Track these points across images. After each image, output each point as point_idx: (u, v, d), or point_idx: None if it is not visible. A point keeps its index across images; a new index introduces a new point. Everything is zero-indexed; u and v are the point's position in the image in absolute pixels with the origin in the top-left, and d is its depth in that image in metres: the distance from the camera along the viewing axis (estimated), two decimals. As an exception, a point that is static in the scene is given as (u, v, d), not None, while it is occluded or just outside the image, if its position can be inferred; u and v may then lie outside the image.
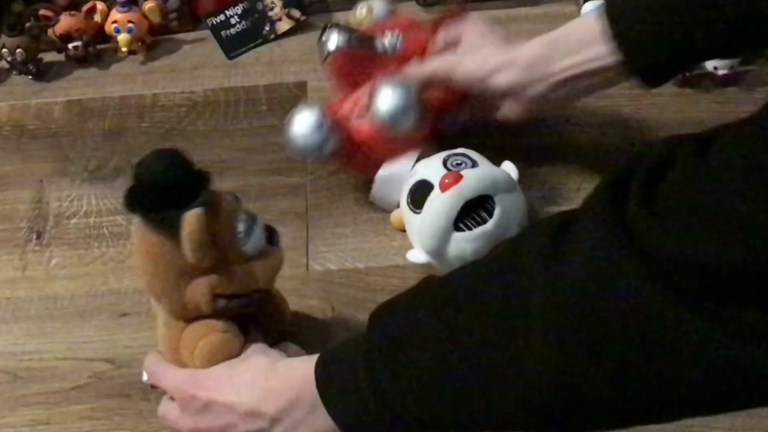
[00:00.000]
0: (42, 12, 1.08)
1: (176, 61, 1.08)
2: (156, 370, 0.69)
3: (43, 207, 0.92)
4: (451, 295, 0.54)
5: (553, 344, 0.47)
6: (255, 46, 1.08)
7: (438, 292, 0.56)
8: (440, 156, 0.81)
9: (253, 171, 0.93)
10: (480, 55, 0.81)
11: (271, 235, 0.68)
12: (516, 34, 0.84)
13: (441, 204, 0.76)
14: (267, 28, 1.09)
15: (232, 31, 1.09)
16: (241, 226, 0.65)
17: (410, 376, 0.54)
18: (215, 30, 1.09)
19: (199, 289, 0.65)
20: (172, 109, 1.01)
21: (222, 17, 1.09)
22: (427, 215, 0.76)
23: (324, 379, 0.60)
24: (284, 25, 1.09)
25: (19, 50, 1.04)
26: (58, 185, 0.94)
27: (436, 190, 0.77)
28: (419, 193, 0.78)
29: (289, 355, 0.67)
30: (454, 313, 0.53)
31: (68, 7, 1.10)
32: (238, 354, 0.67)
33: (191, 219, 0.61)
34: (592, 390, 0.47)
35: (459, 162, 0.79)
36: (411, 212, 0.79)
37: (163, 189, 0.62)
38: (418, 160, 0.82)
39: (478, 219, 0.76)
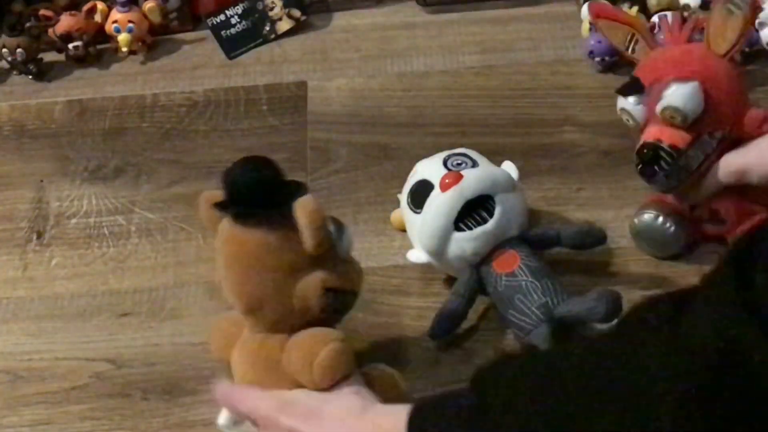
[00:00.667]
0: (42, 12, 1.08)
1: (176, 61, 1.08)
2: (235, 394, 0.66)
3: (43, 207, 0.92)
4: (563, 390, 0.51)
5: (681, 412, 0.45)
6: (255, 46, 1.08)
7: (551, 384, 0.52)
8: (440, 156, 0.80)
9: (254, 171, 0.93)
10: None
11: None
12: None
13: (441, 204, 0.76)
14: (267, 28, 1.09)
15: (233, 31, 1.09)
16: (332, 228, 0.64)
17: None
18: (215, 30, 1.09)
19: (312, 283, 0.63)
20: (173, 109, 1.01)
21: (222, 17, 1.09)
22: (427, 215, 0.76)
23: None
24: (284, 25, 1.09)
25: (19, 50, 1.04)
26: (59, 185, 0.94)
27: (437, 190, 0.77)
28: (419, 193, 0.78)
29: (376, 380, 0.66)
30: (568, 412, 0.50)
31: (69, 7, 1.10)
32: (351, 369, 0.64)
33: (306, 203, 0.61)
34: None
35: (459, 162, 0.79)
36: (411, 212, 0.79)
37: (262, 189, 0.63)
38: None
39: (479, 219, 0.76)
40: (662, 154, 0.73)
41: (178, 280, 0.84)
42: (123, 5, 1.07)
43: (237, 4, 1.09)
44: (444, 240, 0.76)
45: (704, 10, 0.99)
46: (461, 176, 0.76)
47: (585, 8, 1.02)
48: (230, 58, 1.07)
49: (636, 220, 0.80)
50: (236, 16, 1.09)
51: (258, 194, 0.62)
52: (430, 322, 0.76)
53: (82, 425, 0.74)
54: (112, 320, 0.82)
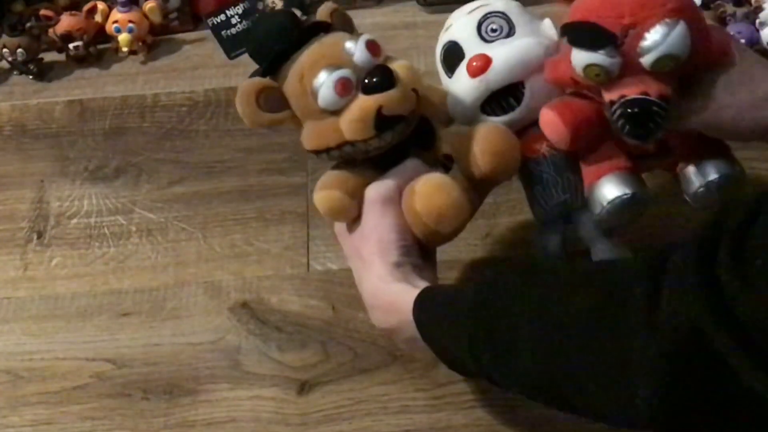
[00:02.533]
0: (43, 12, 1.08)
1: (177, 60, 1.08)
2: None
3: (43, 207, 0.92)
4: (554, 317, 0.55)
5: (655, 387, 0.49)
6: (256, 46, 1.08)
7: (544, 311, 0.56)
8: (476, 15, 0.74)
9: (254, 171, 0.93)
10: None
11: (372, 82, 0.67)
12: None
13: (466, 90, 0.71)
14: (268, 28, 1.09)
15: (233, 30, 1.09)
16: (314, 83, 0.67)
17: (513, 372, 0.58)
18: (216, 30, 1.09)
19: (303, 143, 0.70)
20: (173, 108, 1.01)
21: (223, 17, 1.09)
22: (453, 92, 0.73)
23: (426, 333, 0.64)
24: (285, 25, 1.09)
25: (19, 50, 1.04)
26: (59, 185, 0.94)
27: (464, 66, 0.72)
28: (450, 57, 0.73)
29: (407, 172, 0.69)
30: (560, 339, 0.54)
31: (69, 6, 1.10)
32: (351, 213, 0.70)
33: (238, 92, 0.69)
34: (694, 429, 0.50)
35: (495, 28, 0.72)
36: (443, 73, 0.75)
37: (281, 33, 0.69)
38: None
39: (505, 105, 0.71)
40: (655, 108, 0.64)
41: (178, 280, 0.84)
42: (123, 5, 1.07)
43: (237, 4, 1.09)
44: (470, 119, 0.72)
45: (705, 10, 1.00)
46: (490, 61, 0.70)
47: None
48: (231, 58, 1.07)
49: (605, 207, 0.69)
50: (237, 16, 1.09)
51: (279, 38, 0.68)
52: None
53: (82, 425, 0.75)
54: (113, 320, 0.82)
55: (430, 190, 0.68)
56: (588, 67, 0.65)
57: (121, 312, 0.82)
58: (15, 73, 1.07)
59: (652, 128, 0.65)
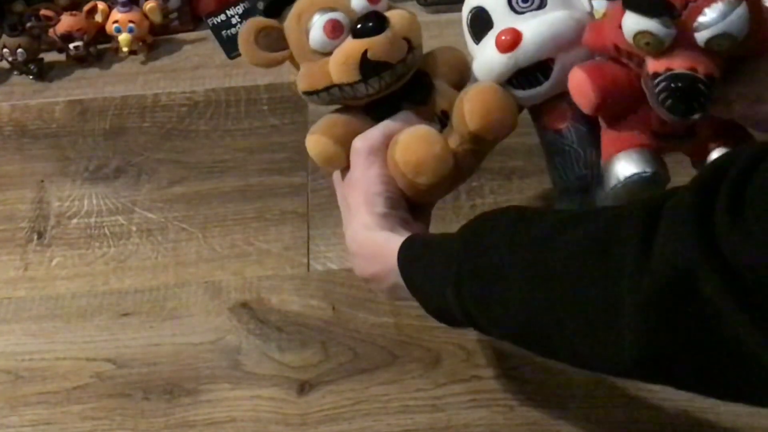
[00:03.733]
0: (43, 12, 1.08)
1: (177, 60, 1.08)
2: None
3: (44, 207, 0.92)
4: (542, 257, 0.54)
5: (641, 330, 0.48)
6: (256, 46, 1.08)
7: (532, 251, 0.55)
8: None
9: (254, 171, 0.93)
10: None
11: (363, 25, 0.68)
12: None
13: (493, 63, 0.70)
14: (268, 28, 1.09)
15: (233, 31, 1.09)
16: (309, 25, 0.68)
17: (497, 315, 0.56)
18: (216, 30, 1.09)
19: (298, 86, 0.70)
20: (173, 108, 1.01)
21: (223, 17, 1.09)
22: (480, 62, 0.71)
23: (410, 278, 0.63)
24: (285, 25, 1.09)
25: (20, 50, 1.04)
26: (59, 185, 0.94)
27: (492, 37, 0.70)
28: (478, 25, 0.72)
29: (397, 124, 0.69)
30: (547, 282, 0.53)
31: (69, 7, 1.10)
32: (339, 161, 0.71)
33: (240, 31, 0.69)
34: (676, 375, 0.49)
35: (526, 0, 0.70)
36: (471, 39, 0.74)
37: None
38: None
39: (533, 80, 0.70)
40: (700, 86, 0.61)
41: (178, 280, 0.84)
42: (124, 5, 1.07)
43: (238, 4, 1.09)
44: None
45: (705, 10, 0.99)
46: (520, 37, 0.68)
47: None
48: (231, 58, 1.07)
49: (621, 182, 0.67)
50: (237, 16, 1.09)
51: None
52: (430, 321, 0.76)
53: (82, 425, 0.75)
54: (113, 320, 0.82)
55: (411, 140, 0.67)
56: (640, 34, 0.62)
57: (122, 312, 0.82)
58: (15, 73, 1.07)
59: (695, 107, 0.62)
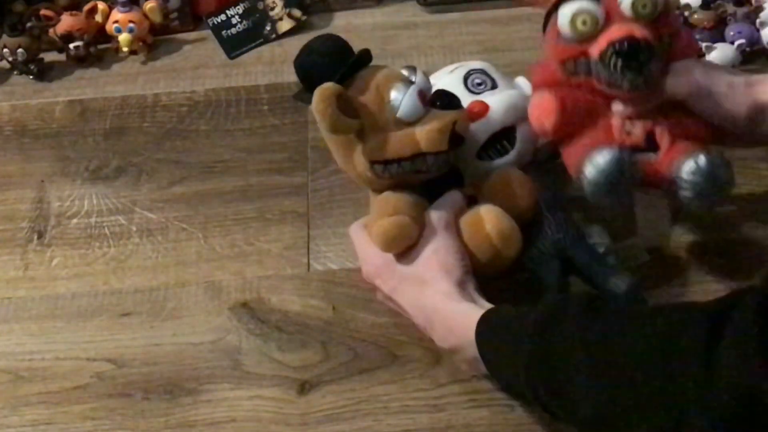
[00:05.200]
0: (43, 12, 1.08)
1: (177, 60, 1.08)
2: (355, 238, 0.78)
3: (44, 207, 0.92)
4: (610, 356, 0.57)
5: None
6: (256, 46, 1.08)
7: (600, 348, 0.58)
8: (460, 72, 0.80)
9: (255, 171, 0.93)
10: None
11: (443, 100, 0.73)
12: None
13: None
14: (268, 28, 1.09)
15: (233, 30, 1.09)
16: (393, 94, 0.71)
17: (566, 404, 0.59)
18: (216, 30, 1.09)
19: (357, 158, 0.72)
20: (174, 108, 1.01)
21: (223, 17, 1.09)
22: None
23: (486, 357, 0.66)
24: (285, 25, 1.09)
25: (20, 50, 1.04)
26: (60, 185, 0.94)
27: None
28: (443, 100, 0.77)
29: (455, 202, 0.74)
30: (616, 382, 0.56)
31: (69, 7, 1.10)
32: (413, 239, 0.72)
33: (316, 94, 0.70)
34: None
35: (480, 82, 0.80)
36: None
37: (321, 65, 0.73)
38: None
39: (500, 149, 0.77)
40: (642, 45, 0.70)
41: (178, 280, 0.84)
42: (124, 5, 1.07)
43: (238, 4, 1.09)
44: (466, 166, 0.77)
45: (705, 10, 1.00)
46: (488, 107, 0.77)
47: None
48: (231, 58, 1.07)
49: (593, 163, 0.71)
50: (237, 16, 1.09)
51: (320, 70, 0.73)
52: (430, 321, 0.76)
53: (83, 425, 0.75)
54: (113, 320, 0.82)
55: (497, 215, 0.72)
56: (575, 17, 0.71)
57: (122, 312, 0.82)
58: (15, 73, 1.07)
59: (644, 62, 0.70)
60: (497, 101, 0.78)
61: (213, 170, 0.94)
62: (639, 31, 0.70)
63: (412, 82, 0.72)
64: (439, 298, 0.70)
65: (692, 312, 0.55)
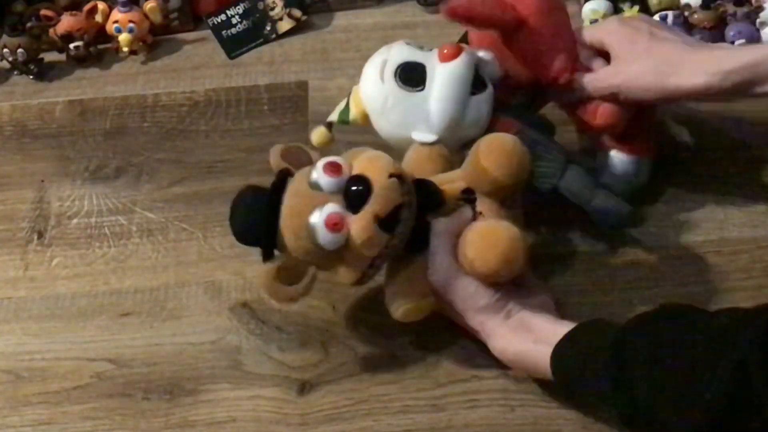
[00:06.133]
0: (43, 12, 1.08)
1: (177, 60, 1.08)
2: None
3: (44, 207, 0.92)
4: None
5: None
6: (256, 46, 1.08)
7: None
8: (399, 44, 0.81)
9: (255, 171, 0.93)
10: (651, 62, 0.78)
11: (353, 200, 0.69)
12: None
13: (456, 71, 0.77)
14: (268, 28, 1.09)
15: (233, 30, 1.09)
16: (310, 227, 0.68)
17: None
18: (216, 30, 1.09)
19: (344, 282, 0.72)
20: (174, 108, 1.01)
21: (223, 17, 1.09)
22: (441, 87, 0.77)
23: (569, 394, 0.70)
24: (285, 25, 1.09)
25: (20, 50, 1.04)
26: (60, 185, 0.94)
27: (437, 64, 0.78)
28: (413, 72, 0.78)
29: (448, 241, 0.72)
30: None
31: (69, 7, 1.10)
32: (432, 307, 0.73)
33: (259, 285, 0.70)
34: None
35: (421, 45, 0.81)
36: (406, 92, 0.78)
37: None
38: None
39: (484, 81, 0.79)
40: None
41: (179, 280, 0.84)
42: (124, 5, 1.07)
43: (238, 4, 1.09)
44: (464, 106, 0.78)
45: (705, 10, 0.99)
46: (461, 46, 0.78)
47: (586, 8, 1.02)
48: (231, 58, 1.07)
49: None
50: (237, 16, 1.09)
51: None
52: (431, 321, 0.76)
53: (83, 425, 0.75)
54: (113, 320, 0.82)
55: (481, 246, 0.70)
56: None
57: (122, 312, 0.82)
58: (15, 73, 1.07)
59: None
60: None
61: (213, 170, 0.94)
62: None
63: (315, 206, 0.68)
64: (500, 350, 0.72)
65: (726, 326, 0.59)
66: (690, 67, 0.76)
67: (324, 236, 0.67)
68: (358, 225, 0.68)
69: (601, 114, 0.81)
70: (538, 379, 0.72)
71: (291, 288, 0.69)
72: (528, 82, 0.83)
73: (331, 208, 0.68)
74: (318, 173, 0.69)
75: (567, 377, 0.67)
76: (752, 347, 0.56)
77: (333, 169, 0.69)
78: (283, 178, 0.70)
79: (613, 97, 0.79)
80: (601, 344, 0.64)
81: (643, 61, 0.78)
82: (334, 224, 0.67)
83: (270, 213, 0.69)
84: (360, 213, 0.68)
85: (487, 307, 0.71)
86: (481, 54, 0.80)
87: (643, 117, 0.83)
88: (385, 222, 0.68)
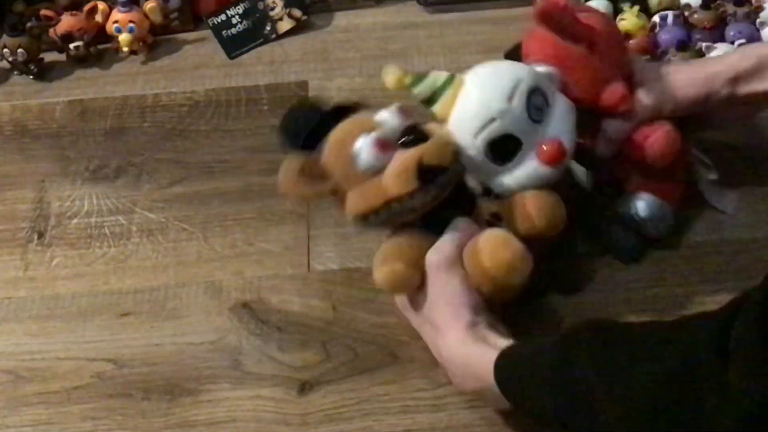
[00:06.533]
0: (43, 12, 1.08)
1: (177, 60, 1.08)
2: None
3: (44, 207, 0.92)
4: (628, 387, 0.58)
5: None
6: (256, 46, 1.08)
7: (618, 382, 0.58)
8: (520, 94, 0.72)
9: (255, 171, 0.93)
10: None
11: (408, 137, 0.70)
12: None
13: (547, 175, 0.73)
14: (268, 28, 1.09)
15: (233, 30, 1.09)
16: (354, 148, 0.70)
17: None
18: (216, 30, 1.09)
19: (347, 213, 0.72)
20: (174, 108, 1.01)
21: (223, 17, 1.09)
22: (526, 181, 0.74)
23: (511, 395, 0.66)
24: (285, 25, 1.09)
25: (20, 50, 1.04)
26: (60, 185, 0.94)
27: (533, 158, 0.73)
28: (504, 147, 0.73)
29: (462, 232, 0.72)
30: (633, 407, 0.57)
31: (70, 7, 1.10)
32: (414, 284, 0.72)
33: (280, 173, 0.72)
34: None
35: (539, 107, 0.73)
36: (488, 162, 0.74)
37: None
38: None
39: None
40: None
41: (179, 280, 0.84)
42: (124, 5, 1.07)
43: (238, 4, 1.09)
44: (487, 179, 0.76)
45: (705, 10, 0.99)
46: (563, 149, 0.73)
47: (586, 8, 1.02)
48: (231, 58, 1.07)
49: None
50: (237, 16, 1.09)
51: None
52: (430, 321, 0.76)
53: (83, 425, 0.75)
54: (113, 320, 0.82)
55: (495, 245, 0.70)
56: None
57: (122, 312, 0.82)
58: (16, 73, 1.07)
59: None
60: (563, 130, 0.74)
61: (213, 170, 0.94)
62: None
63: (378, 128, 0.71)
64: (453, 345, 0.70)
65: (698, 332, 0.56)
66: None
67: (367, 153, 0.69)
68: (401, 158, 0.69)
69: (656, 140, 0.78)
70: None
71: (306, 186, 0.71)
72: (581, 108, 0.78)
73: (383, 133, 0.70)
74: (390, 112, 0.71)
75: (509, 373, 0.66)
76: (703, 337, 0.55)
77: (405, 112, 0.72)
78: (351, 106, 0.75)
79: (661, 115, 0.78)
80: (547, 342, 0.64)
81: (676, 73, 0.79)
82: (383, 145, 0.69)
83: (326, 114, 0.74)
84: (407, 150, 0.70)
85: (460, 306, 0.70)
86: (545, 70, 0.76)
87: (681, 155, 0.80)
88: (424, 172, 0.69)
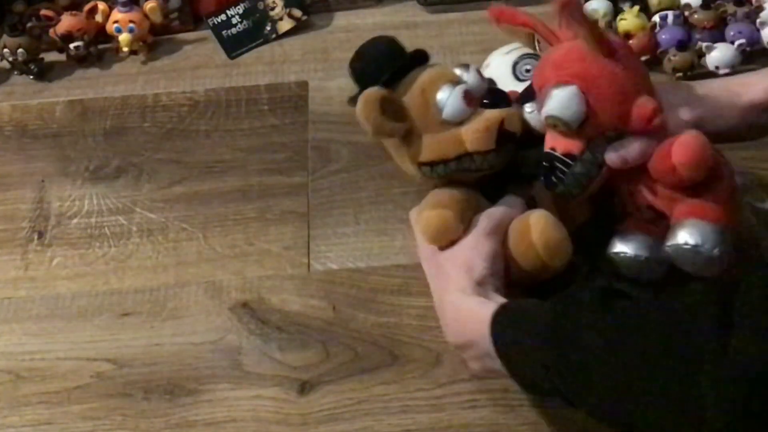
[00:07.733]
0: (43, 12, 1.08)
1: (177, 60, 1.08)
2: (414, 225, 0.77)
3: (44, 207, 0.92)
4: (626, 345, 0.58)
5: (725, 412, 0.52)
6: (256, 46, 1.08)
7: (617, 340, 0.58)
8: (510, 58, 0.80)
9: (255, 170, 0.93)
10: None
11: (492, 99, 0.73)
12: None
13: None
14: (268, 28, 1.09)
15: (234, 30, 1.09)
16: (439, 95, 0.71)
17: (585, 393, 0.60)
18: (216, 30, 1.09)
19: (406, 159, 0.73)
20: (174, 108, 1.01)
21: (223, 17, 1.09)
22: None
23: (504, 352, 0.65)
24: (285, 25, 1.09)
25: (20, 50, 1.04)
26: (60, 185, 0.94)
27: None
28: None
29: (513, 207, 0.73)
30: (630, 375, 0.57)
31: (70, 7, 1.10)
32: (456, 234, 0.72)
33: (360, 99, 0.71)
34: None
35: (528, 68, 0.80)
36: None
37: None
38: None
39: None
40: (557, 164, 0.69)
41: (179, 280, 0.84)
42: (124, 5, 1.07)
43: (238, 4, 1.09)
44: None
45: (705, 10, 0.99)
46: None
47: (586, 8, 1.02)
48: (231, 58, 1.07)
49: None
50: (237, 16, 1.09)
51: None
52: (430, 321, 0.76)
53: (83, 425, 0.75)
54: (113, 320, 0.82)
55: (546, 224, 0.70)
56: (546, 118, 0.69)
57: (122, 312, 0.82)
58: (16, 73, 1.07)
59: (556, 181, 0.70)
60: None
61: (213, 170, 0.94)
62: (563, 144, 0.69)
63: (462, 82, 0.72)
64: (455, 291, 0.70)
65: (703, 295, 0.56)
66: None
67: (454, 103, 0.71)
68: (485, 116, 0.71)
69: (683, 142, 0.67)
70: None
71: (387, 121, 0.70)
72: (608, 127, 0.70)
73: (472, 87, 0.72)
74: (470, 71, 0.74)
75: (505, 326, 0.65)
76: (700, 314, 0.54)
77: (482, 76, 0.74)
78: (425, 54, 0.76)
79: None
80: (543, 305, 0.64)
81: (698, 87, 0.76)
82: (470, 97, 0.71)
83: (405, 53, 0.75)
84: (494, 110, 0.71)
85: (480, 267, 0.70)
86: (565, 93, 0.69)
87: (722, 167, 0.71)
88: (502, 135, 0.70)
